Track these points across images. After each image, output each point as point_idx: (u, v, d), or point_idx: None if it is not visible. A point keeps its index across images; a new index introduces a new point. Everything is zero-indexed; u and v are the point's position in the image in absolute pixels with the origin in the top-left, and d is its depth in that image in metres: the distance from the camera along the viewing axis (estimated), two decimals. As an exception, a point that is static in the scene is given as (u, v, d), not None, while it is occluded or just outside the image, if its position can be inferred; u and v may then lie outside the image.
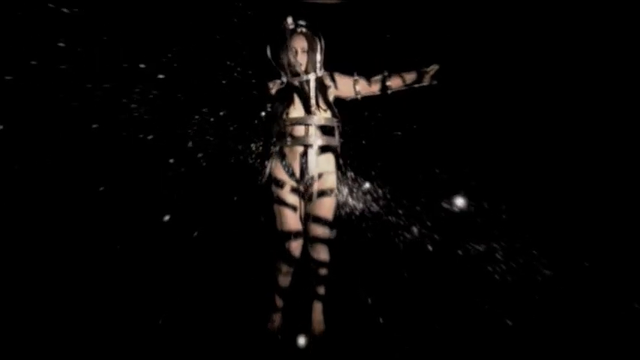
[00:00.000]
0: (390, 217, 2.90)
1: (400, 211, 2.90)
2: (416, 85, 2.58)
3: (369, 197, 2.89)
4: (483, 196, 2.90)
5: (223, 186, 3.06)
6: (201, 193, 3.07)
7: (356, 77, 2.57)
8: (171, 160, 2.91)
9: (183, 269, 2.96)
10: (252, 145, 2.77)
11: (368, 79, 2.59)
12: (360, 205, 2.86)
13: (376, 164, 2.93)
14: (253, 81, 2.77)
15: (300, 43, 2.49)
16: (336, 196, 2.54)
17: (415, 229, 2.88)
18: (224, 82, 2.85)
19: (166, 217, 2.86)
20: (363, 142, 2.70)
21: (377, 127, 3.08)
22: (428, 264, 2.90)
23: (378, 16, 3.19)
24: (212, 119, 2.87)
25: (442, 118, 3.10)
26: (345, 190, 2.82)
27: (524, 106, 3.07)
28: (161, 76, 2.83)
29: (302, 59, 2.49)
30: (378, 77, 2.58)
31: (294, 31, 2.49)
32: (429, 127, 2.92)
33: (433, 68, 2.54)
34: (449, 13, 3.18)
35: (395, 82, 2.58)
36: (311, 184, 2.47)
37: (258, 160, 2.71)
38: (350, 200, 2.83)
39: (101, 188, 2.92)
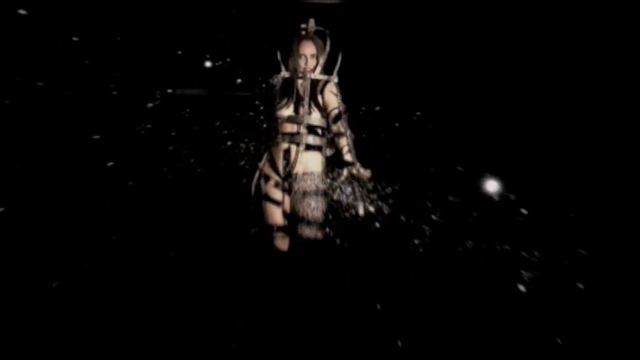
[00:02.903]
0: (399, 216, 2.88)
1: (407, 210, 2.88)
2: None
3: (373, 196, 2.87)
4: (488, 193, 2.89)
5: (213, 189, 3.06)
6: (190, 197, 3.06)
7: (338, 108, 2.51)
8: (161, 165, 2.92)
9: (176, 272, 2.93)
10: (242, 145, 2.77)
11: (339, 120, 2.49)
12: (363, 205, 2.83)
13: (377, 159, 2.91)
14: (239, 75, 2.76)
15: (309, 49, 2.54)
16: (323, 195, 2.53)
17: (426, 228, 2.86)
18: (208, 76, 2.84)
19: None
20: (364, 135, 2.69)
21: (377, 119, 3.07)
22: (433, 264, 2.87)
23: (378, 15, 3.21)
24: (194, 117, 2.87)
25: (444, 110, 3.11)
26: (348, 190, 2.79)
27: (535, 101, 3.06)
28: (147, 77, 2.84)
29: (311, 64, 2.54)
30: (339, 131, 2.47)
31: (303, 36, 2.55)
32: (429, 120, 2.91)
33: (362, 176, 2.37)
34: (449, 12, 3.20)
35: (338, 144, 2.47)
36: (294, 182, 2.50)
37: (250, 162, 2.71)
38: (352, 200, 2.81)
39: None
